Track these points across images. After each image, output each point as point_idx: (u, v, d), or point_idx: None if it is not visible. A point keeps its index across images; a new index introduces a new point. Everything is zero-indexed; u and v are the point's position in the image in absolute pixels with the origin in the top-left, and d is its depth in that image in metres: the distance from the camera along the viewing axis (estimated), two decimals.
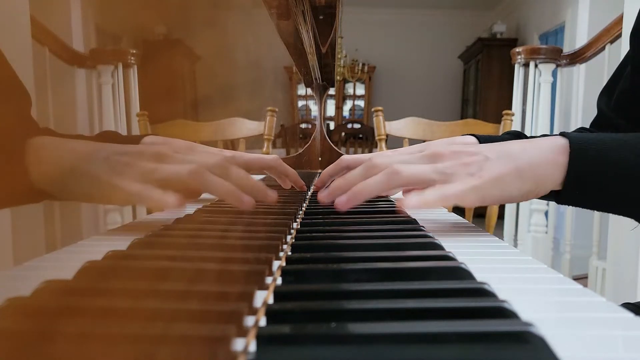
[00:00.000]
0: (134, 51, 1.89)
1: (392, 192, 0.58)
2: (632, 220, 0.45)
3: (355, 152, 4.42)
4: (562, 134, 0.42)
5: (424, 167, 0.42)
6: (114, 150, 0.41)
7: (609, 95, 0.66)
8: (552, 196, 0.43)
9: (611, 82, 0.66)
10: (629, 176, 0.39)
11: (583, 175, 0.39)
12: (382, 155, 0.46)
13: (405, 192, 0.50)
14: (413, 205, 0.40)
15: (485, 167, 0.40)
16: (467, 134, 0.51)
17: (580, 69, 1.79)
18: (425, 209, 0.41)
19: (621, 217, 0.46)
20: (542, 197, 0.44)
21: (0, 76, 0.47)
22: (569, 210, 1.77)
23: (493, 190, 0.40)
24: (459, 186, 0.40)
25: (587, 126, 0.70)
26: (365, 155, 0.51)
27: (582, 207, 0.43)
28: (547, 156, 0.40)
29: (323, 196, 0.45)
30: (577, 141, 0.40)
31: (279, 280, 0.26)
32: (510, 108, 1.61)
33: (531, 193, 0.41)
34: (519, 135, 0.55)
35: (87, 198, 0.43)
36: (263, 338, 0.17)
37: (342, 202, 0.42)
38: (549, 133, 1.80)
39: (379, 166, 0.43)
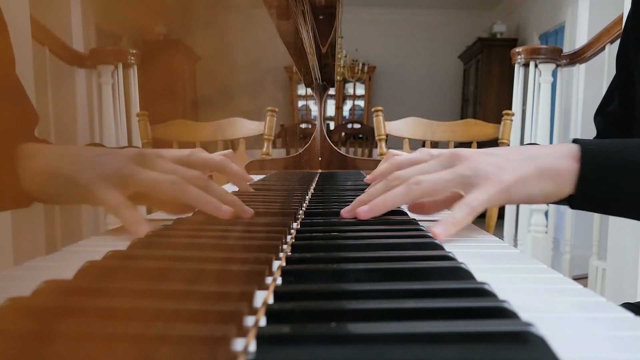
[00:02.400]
0: (134, 51, 1.89)
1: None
2: (634, 222, 0.46)
3: (355, 152, 4.42)
4: (575, 141, 0.43)
5: (444, 175, 0.42)
6: (99, 152, 0.43)
7: (603, 115, 0.68)
8: (567, 201, 0.43)
9: (604, 102, 0.68)
10: (636, 178, 0.40)
11: (593, 180, 0.41)
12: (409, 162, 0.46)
13: (412, 207, 0.50)
14: (446, 233, 0.39)
15: (508, 168, 0.41)
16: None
17: (580, 69, 1.79)
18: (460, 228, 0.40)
19: (621, 217, 0.46)
20: (559, 202, 0.44)
21: (9, 90, 0.48)
22: (569, 210, 1.77)
23: (518, 190, 0.41)
24: (484, 192, 0.40)
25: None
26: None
27: (595, 212, 0.44)
28: (562, 160, 0.41)
29: (345, 212, 0.45)
30: (587, 147, 0.41)
31: (279, 280, 0.26)
32: (510, 108, 1.60)
33: (552, 195, 0.42)
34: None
35: (72, 202, 0.44)
36: (263, 338, 0.17)
37: (363, 211, 0.42)
38: (552, 134, 1.80)
39: (400, 178, 0.43)
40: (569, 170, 0.41)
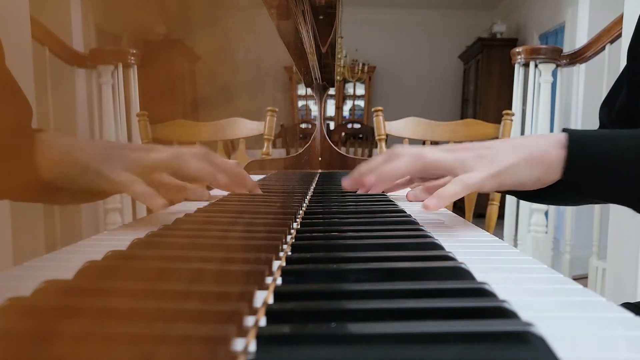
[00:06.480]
0: (134, 51, 1.89)
1: (408, 182, 0.60)
2: (631, 215, 0.47)
3: (355, 152, 4.42)
4: (565, 130, 0.46)
5: (446, 155, 0.46)
6: (108, 145, 0.46)
7: (609, 107, 0.68)
8: (557, 187, 0.46)
9: (611, 94, 0.68)
10: (621, 164, 0.42)
11: (579, 166, 0.44)
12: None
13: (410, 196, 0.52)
14: (439, 205, 0.42)
15: (500, 157, 0.45)
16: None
17: (580, 69, 1.79)
18: (451, 202, 0.44)
19: (621, 217, 0.48)
20: (548, 190, 0.47)
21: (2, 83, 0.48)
22: (569, 210, 1.77)
23: (508, 176, 0.44)
24: (478, 175, 0.44)
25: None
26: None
27: (584, 196, 0.47)
28: (550, 148, 0.44)
29: (346, 181, 0.48)
30: (575, 135, 0.44)
31: (279, 280, 0.26)
32: (510, 108, 1.60)
33: (540, 180, 0.45)
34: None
35: (82, 186, 0.46)
36: (263, 338, 0.17)
37: (371, 182, 0.45)
38: (552, 133, 1.80)
39: (403, 152, 0.46)
40: (557, 157, 0.44)
